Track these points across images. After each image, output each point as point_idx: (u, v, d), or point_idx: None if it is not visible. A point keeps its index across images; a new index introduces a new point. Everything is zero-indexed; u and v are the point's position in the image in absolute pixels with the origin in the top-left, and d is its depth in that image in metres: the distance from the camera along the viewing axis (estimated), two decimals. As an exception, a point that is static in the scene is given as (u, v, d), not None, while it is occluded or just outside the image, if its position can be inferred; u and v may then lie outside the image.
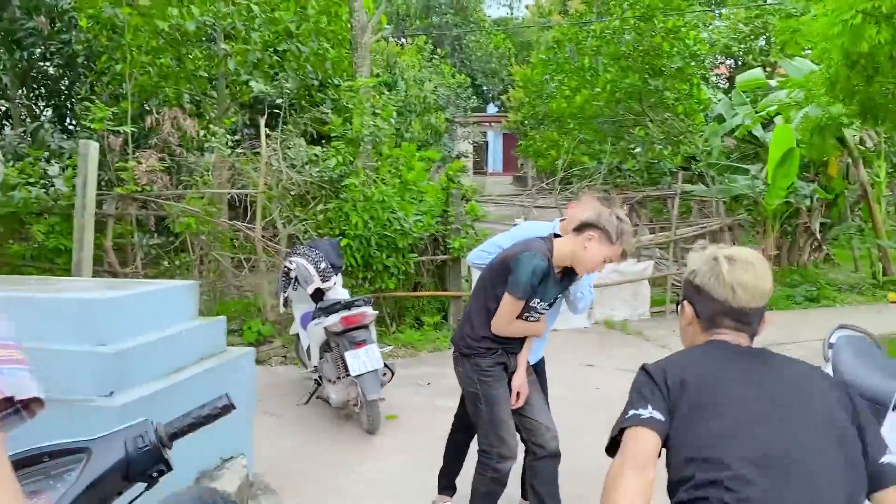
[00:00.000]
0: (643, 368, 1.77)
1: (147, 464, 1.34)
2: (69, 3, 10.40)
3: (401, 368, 6.92)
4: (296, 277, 5.49)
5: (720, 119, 14.39)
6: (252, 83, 8.23)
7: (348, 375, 4.90)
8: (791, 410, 1.61)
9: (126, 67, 8.91)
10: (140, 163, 7.00)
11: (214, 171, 7.48)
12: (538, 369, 3.70)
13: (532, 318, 3.27)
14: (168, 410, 2.68)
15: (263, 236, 7.35)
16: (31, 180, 7.63)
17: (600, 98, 11.79)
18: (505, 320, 3.16)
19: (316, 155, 7.58)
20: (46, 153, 9.27)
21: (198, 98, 9.99)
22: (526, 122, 16.57)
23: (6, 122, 12.45)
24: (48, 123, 10.80)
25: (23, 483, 1.23)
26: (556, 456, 3.36)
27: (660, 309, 10.01)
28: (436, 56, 22.57)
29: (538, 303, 3.20)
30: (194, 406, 2.83)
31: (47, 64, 12.17)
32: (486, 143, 35.52)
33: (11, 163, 8.19)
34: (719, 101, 14.83)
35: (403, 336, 7.79)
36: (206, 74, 10.04)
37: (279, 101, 8.64)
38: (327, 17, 9.39)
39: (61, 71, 12.27)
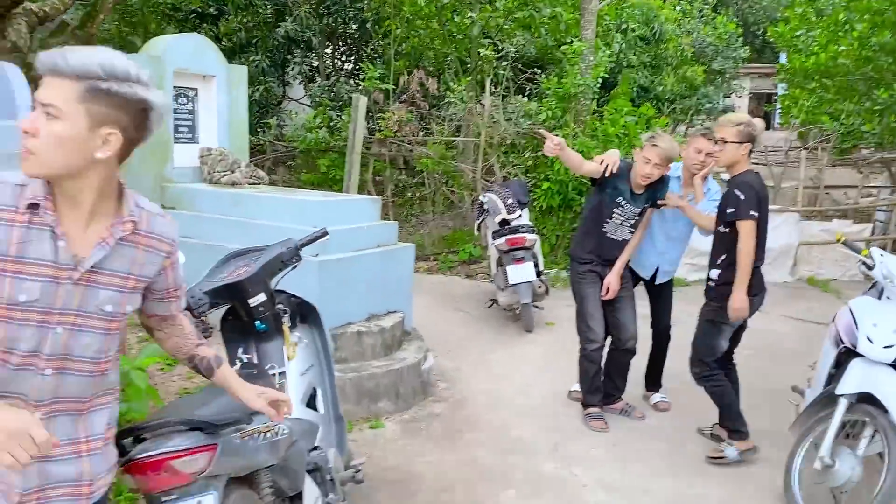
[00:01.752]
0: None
1: (290, 255, 2.98)
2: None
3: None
4: (487, 209, 7.03)
5: None
6: (480, 49, 9.79)
7: (511, 284, 6.39)
8: None
9: (404, 31, 11.04)
10: (393, 114, 9.01)
11: (449, 121, 9.26)
12: (662, 287, 4.66)
13: (619, 216, 4.24)
14: (349, 268, 4.43)
15: (483, 177, 9.01)
16: (321, 124, 10.10)
17: (848, 56, 11.43)
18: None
19: (531, 109, 8.98)
20: (340, 103, 11.83)
21: (462, 58, 11.80)
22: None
23: (317, 75, 15.55)
24: (343, 77, 13.49)
25: (241, 261, 2.95)
26: (628, 352, 4.51)
27: (875, 273, 9.88)
28: (706, 5, 22.21)
29: (621, 200, 4.19)
30: (367, 270, 4.54)
31: (348, 26, 14.90)
32: (775, 94, 33.45)
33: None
34: None
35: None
36: (464, 37, 11.82)
37: (504, 62, 10.11)
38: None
39: (357, 33, 14.95)
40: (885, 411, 3.17)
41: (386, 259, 4.71)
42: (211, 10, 13.85)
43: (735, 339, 4.17)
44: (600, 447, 4.24)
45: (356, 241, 4.54)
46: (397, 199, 9.60)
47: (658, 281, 4.64)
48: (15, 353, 1.49)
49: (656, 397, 4.88)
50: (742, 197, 3.71)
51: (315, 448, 2.82)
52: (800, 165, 10.06)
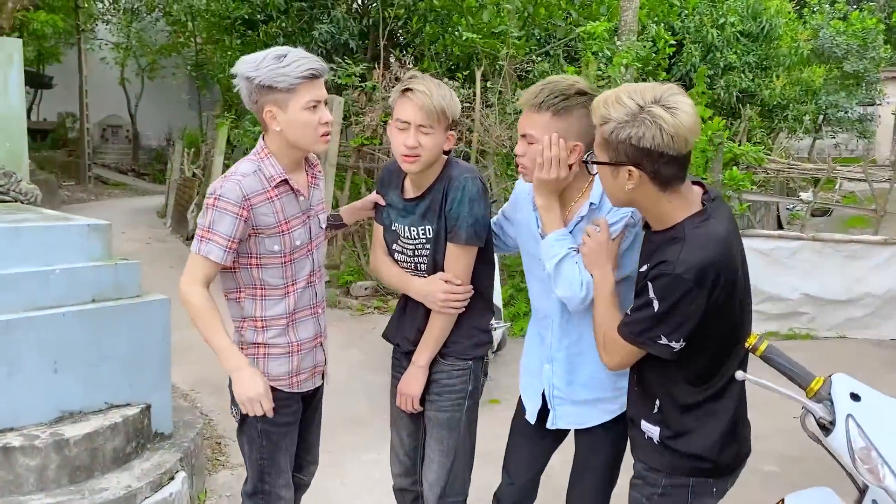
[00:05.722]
0: None
1: None
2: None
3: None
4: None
5: None
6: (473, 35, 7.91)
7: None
8: None
9: (431, 28, 9.60)
10: (365, 116, 7.32)
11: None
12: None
13: (399, 256, 2.37)
14: (8, 339, 2.75)
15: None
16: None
17: None
18: None
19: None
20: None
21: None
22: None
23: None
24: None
25: None
26: None
27: None
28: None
29: (398, 227, 2.33)
30: (59, 341, 2.83)
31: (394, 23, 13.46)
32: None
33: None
34: None
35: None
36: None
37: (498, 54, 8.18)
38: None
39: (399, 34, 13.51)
40: None
41: (108, 321, 2.97)
42: (259, 16, 13.29)
43: None
44: None
45: (39, 293, 2.84)
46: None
47: None
48: None
49: None
50: (655, 306, 1.71)
51: None
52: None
